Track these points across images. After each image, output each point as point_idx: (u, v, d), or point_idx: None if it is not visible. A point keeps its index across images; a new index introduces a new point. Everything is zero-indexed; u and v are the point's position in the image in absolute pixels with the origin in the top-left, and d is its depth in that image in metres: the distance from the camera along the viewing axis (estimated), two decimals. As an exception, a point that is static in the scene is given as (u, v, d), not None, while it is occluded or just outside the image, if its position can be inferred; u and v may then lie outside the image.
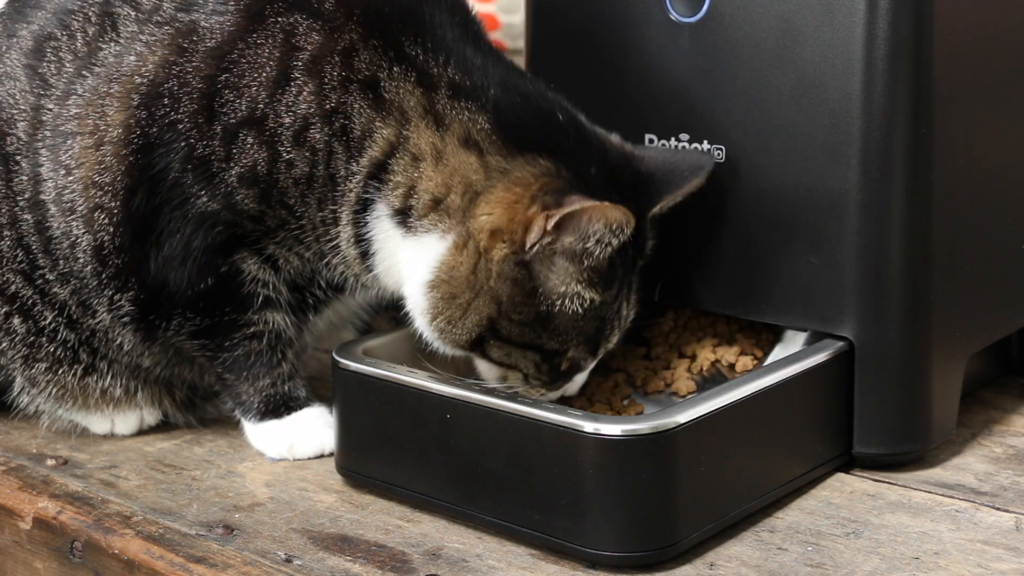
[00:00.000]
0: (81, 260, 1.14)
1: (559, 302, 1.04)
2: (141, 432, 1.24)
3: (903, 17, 1.03)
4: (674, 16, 1.13)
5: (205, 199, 1.09)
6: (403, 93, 1.06)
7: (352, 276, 1.14)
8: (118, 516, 1.06)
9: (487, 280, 1.04)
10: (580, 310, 1.04)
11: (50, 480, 1.13)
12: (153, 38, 1.11)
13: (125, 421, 1.23)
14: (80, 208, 1.12)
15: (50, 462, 1.18)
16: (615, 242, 1.02)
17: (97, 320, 1.17)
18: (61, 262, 1.15)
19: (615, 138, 1.10)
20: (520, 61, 1.20)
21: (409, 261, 1.08)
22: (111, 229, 1.12)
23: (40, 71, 1.16)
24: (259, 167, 1.08)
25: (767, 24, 1.08)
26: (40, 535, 1.08)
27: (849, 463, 1.11)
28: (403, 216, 1.07)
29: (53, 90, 1.14)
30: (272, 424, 1.17)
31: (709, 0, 1.11)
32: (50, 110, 1.14)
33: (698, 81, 1.12)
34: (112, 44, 1.13)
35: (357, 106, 1.06)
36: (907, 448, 1.10)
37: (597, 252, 1.02)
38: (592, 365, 1.11)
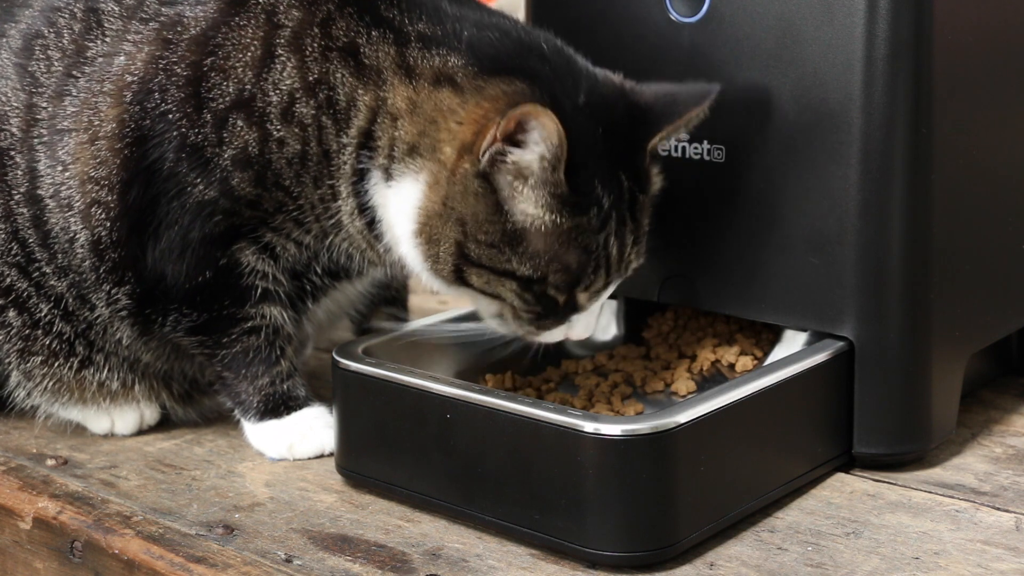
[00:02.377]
0: (79, 255, 1.14)
1: (522, 221, 1.03)
2: (141, 432, 1.24)
3: (903, 17, 1.03)
4: (674, 16, 1.13)
5: (201, 187, 1.10)
6: (381, 56, 1.07)
7: (358, 254, 1.14)
8: (118, 516, 1.06)
9: (454, 203, 1.04)
10: (544, 232, 1.03)
11: (50, 480, 1.13)
12: (139, 36, 1.12)
13: (124, 420, 1.23)
14: (77, 204, 1.13)
15: (50, 462, 1.18)
16: (548, 153, 1.00)
17: (96, 314, 1.17)
18: (59, 256, 1.16)
19: (615, 76, 1.09)
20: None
21: (397, 215, 1.08)
22: (108, 224, 1.12)
23: (30, 69, 1.16)
24: (251, 148, 1.08)
25: (767, 24, 1.08)
26: (40, 535, 1.08)
27: (849, 463, 1.11)
28: (388, 173, 1.08)
29: (44, 88, 1.15)
30: (272, 424, 1.17)
31: (709, 0, 1.11)
32: (43, 107, 1.15)
33: (698, 81, 1.12)
34: (99, 41, 1.14)
35: (339, 75, 1.07)
36: (907, 448, 1.10)
37: (537, 167, 1.01)
38: (591, 307, 1.09)
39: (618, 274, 1.08)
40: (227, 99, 1.08)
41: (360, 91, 1.07)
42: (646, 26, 1.14)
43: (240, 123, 1.08)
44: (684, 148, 1.14)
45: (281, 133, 1.08)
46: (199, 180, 1.09)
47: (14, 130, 1.16)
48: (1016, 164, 1.17)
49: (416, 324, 1.20)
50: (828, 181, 1.06)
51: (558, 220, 1.03)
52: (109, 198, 1.12)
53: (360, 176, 1.09)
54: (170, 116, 1.09)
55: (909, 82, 1.04)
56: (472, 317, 1.21)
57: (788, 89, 1.07)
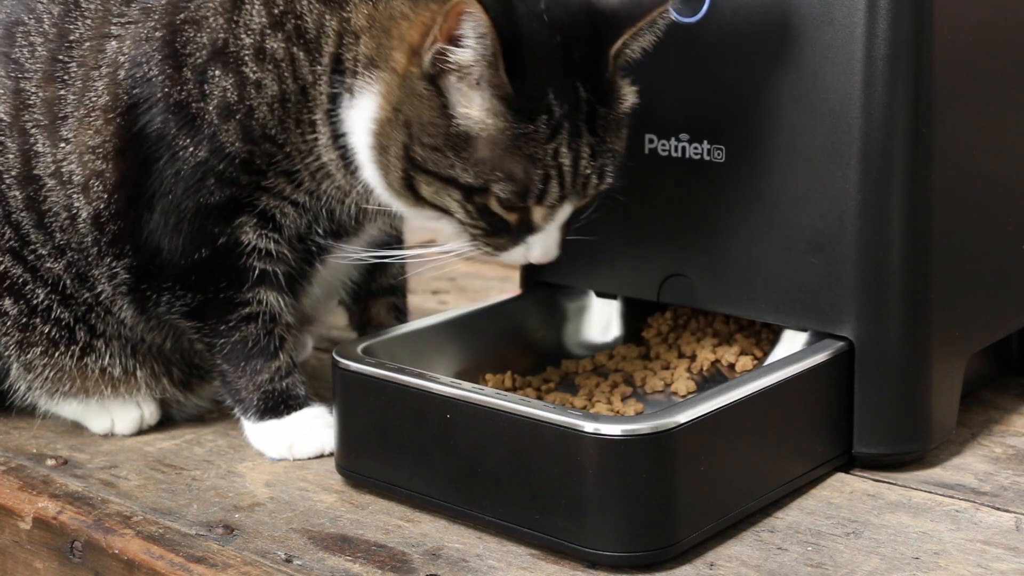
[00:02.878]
0: (82, 231, 1.16)
1: (465, 124, 1.02)
2: (141, 432, 1.24)
3: (903, 17, 1.03)
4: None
5: (191, 148, 1.11)
6: None
7: (347, 199, 1.14)
8: (118, 516, 1.06)
9: (402, 107, 1.04)
10: (488, 137, 1.01)
11: (50, 480, 1.13)
12: (124, 18, 1.15)
13: (124, 419, 1.23)
14: (77, 178, 1.15)
15: (50, 462, 1.18)
16: (483, 48, 0.99)
17: (98, 290, 1.18)
18: (57, 235, 1.17)
19: None
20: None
21: (359, 134, 1.08)
22: (106, 196, 1.14)
23: (14, 56, 1.19)
24: (229, 95, 1.10)
25: (767, 24, 1.08)
26: (40, 535, 1.09)
27: (849, 463, 1.11)
28: (351, 92, 1.08)
29: (31, 73, 1.18)
30: (272, 424, 1.17)
31: (709, 0, 1.11)
32: (32, 92, 1.17)
33: (698, 81, 1.12)
34: (79, 22, 1.17)
35: (305, 2, 1.08)
36: (907, 448, 1.10)
37: (476, 65, 1.00)
38: (548, 228, 1.06)
39: (574, 192, 1.05)
40: (204, 51, 1.10)
41: (327, 16, 1.08)
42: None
43: (218, 72, 1.10)
44: (684, 148, 1.14)
45: (257, 74, 1.09)
46: (188, 140, 1.11)
47: (2, 115, 1.18)
48: (1016, 164, 1.17)
49: (414, 325, 1.20)
50: (828, 181, 1.06)
51: (501, 125, 1.01)
52: (104, 166, 1.13)
53: (332, 101, 1.09)
54: (154, 80, 1.11)
55: (909, 82, 1.04)
56: (470, 317, 1.21)
57: (788, 89, 1.07)
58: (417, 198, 1.06)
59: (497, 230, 1.06)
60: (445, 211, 1.06)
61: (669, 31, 1.13)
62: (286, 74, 1.09)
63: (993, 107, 1.13)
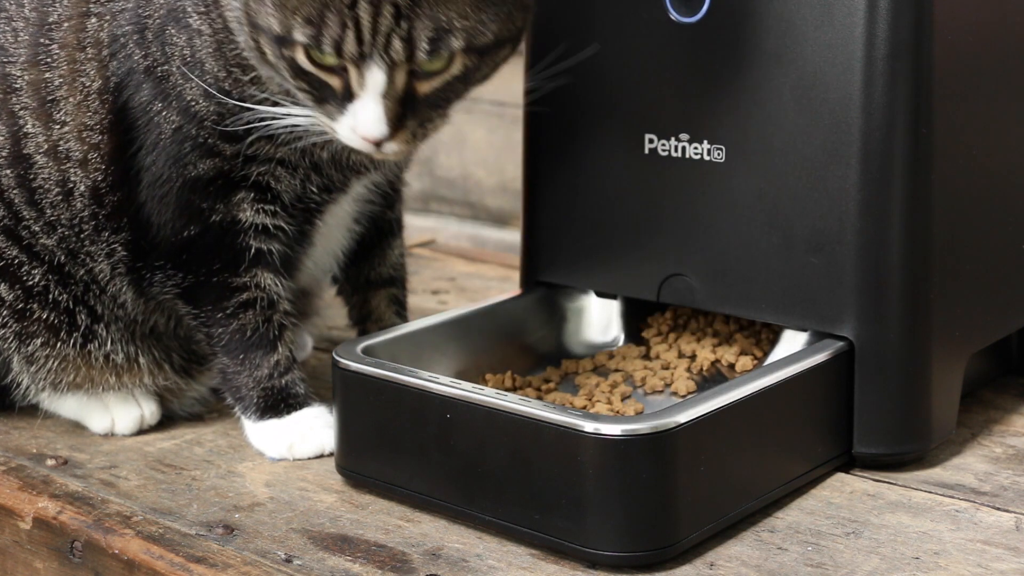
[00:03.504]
0: (78, 204, 1.17)
1: None
2: (141, 432, 1.24)
3: (903, 17, 1.03)
4: (674, 16, 1.13)
5: (164, 112, 1.13)
6: None
7: (316, 136, 1.12)
8: (118, 516, 1.06)
9: None
10: None
11: (50, 480, 1.13)
12: None
13: (124, 418, 1.23)
14: (76, 154, 1.16)
15: (50, 462, 1.18)
16: None
17: (96, 266, 1.19)
18: (48, 211, 1.18)
19: None
20: (521, 62, 1.20)
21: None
22: (103, 167, 1.16)
23: None
24: (184, 51, 1.12)
25: (767, 24, 1.08)
26: (40, 535, 1.09)
27: (849, 463, 1.12)
28: None
29: (15, 57, 1.19)
30: (272, 423, 1.17)
31: (709, 0, 1.11)
32: (18, 76, 1.19)
33: (698, 81, 1.12)
34: (56, 4, 1.19)
35: None
36: (907, 448, 1.10)
37: None
38: (366, 97, 1.02)
39: (376, 51, 1.01)
40: (160, 12, 1.13)
41: None
42: (646, 26, 1.14)
43: (173, 31, 1.13)
44: (684, 148, 1.14)
45: (198, 22, 1.12)
46: (160, 104, 1.13)
47: None
48: (1016, 164, 1.17)
49: (414, 325, 1.20)
50: (828, 181, 1.06)
51: None
52: (101, 139, 1.15)
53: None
54: (129, 51, 1.14)
55: (909, 82, 1.04)
56: (470, 317, 1.21)
57: (788, 89, 1.07)
58: (267, 63, 1.07)
59: (324, 96, 1.04)
60: (281, 75, 1.06)
61: (669, 31, 1.13)
62: (213, 13, 1.11)
63: (993, 107, 1.13)
